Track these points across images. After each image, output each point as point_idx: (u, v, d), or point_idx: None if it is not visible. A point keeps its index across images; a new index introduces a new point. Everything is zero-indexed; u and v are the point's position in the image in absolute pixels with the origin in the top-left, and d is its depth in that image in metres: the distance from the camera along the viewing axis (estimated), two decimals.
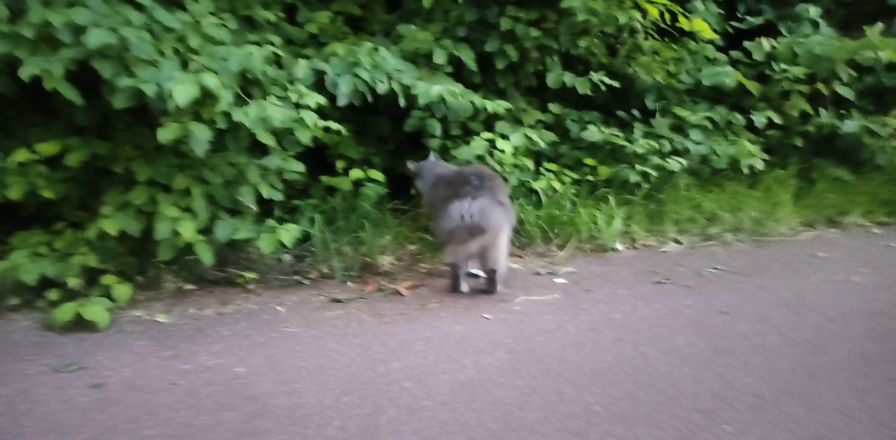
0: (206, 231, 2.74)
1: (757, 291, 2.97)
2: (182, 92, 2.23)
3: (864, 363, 2.18)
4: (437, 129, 3.52)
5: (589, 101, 4.14)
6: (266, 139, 2.66)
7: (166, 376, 2.01)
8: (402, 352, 2.21)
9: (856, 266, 3.42)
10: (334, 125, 2.88)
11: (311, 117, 2.70)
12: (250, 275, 2.96)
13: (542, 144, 3.72)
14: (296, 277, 3.04)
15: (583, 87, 3.77)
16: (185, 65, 2.58)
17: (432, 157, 3.30)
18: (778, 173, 4.54)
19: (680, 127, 4.23)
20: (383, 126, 3.76)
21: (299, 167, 3.03)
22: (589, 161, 3.89)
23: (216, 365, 2.10)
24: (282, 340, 2.32)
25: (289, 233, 2.81)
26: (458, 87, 3.32)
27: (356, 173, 3.37)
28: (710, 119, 4.28)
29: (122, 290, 2.61)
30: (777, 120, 4.45)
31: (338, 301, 2.76)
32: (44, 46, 2.38)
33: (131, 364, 2.11)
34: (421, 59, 3.46)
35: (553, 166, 3.83)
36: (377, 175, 3.39)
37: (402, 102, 3.20)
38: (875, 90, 4.79)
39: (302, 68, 2.94)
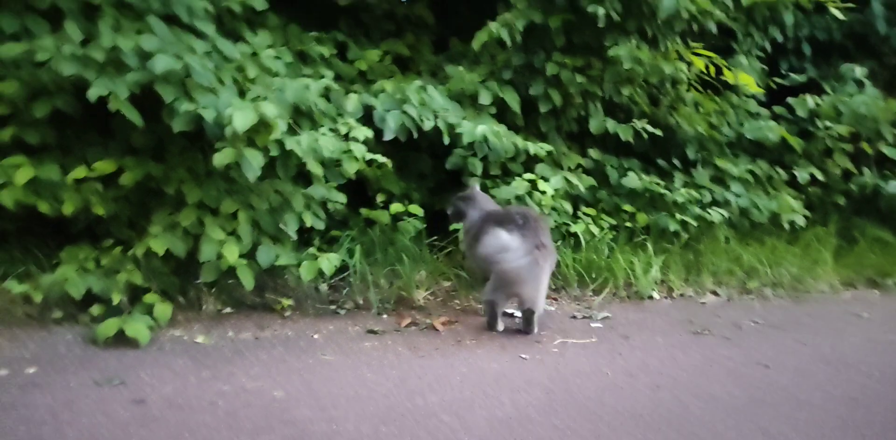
0: (247, 256, 2.79)
1: (796, 346, 2.90)
2: (241, 118, 2.32)
3: None
4: (478, 168, 3.57)
5: (629, 148, 4.18)
6: (315, 167, 2.72)
7: (206, 396, 2.02)
8: (438, 386, 2.19)
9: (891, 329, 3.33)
10: (380, 158, 2.94)
11: (359, 149, 2.77)
12: (287, 302, 2.99)
13: (582, 188, 3.74)
14: (332, 307, 3.06)
15: (625, 134, 3.81)
16: (242, 93, 2.69)
17: (477, 187, 3.27)
18: (818, 230, 4.49)
19: (721, 179, 4.22)
20: (424, 163, 3.82)
21: (342, 198, 3.08)
22: (628, 207, 3.89)
23: (255, 387, 2.10)
24: (319, 367, 2.32)
25: (328, 262, 2.84)
26: (501, 128, 3.38)
27: (396, 207, 3.42)
28: (752, 172, 4.28)
29: (163, 309, 2.64)
30: (819, 177, 4.43)
31: (373, 332, 2.76)
32: (111, 69, 2.49)
33: (171, 382, 2.13)
34: (466, 100, 3.54)
35: (591, 211, 3.84)
36: (417, 210, 3.43)
37: (446, 140, 3.27)
38: None
39: (352, 102, 3.03)
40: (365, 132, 2.92)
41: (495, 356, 2.53)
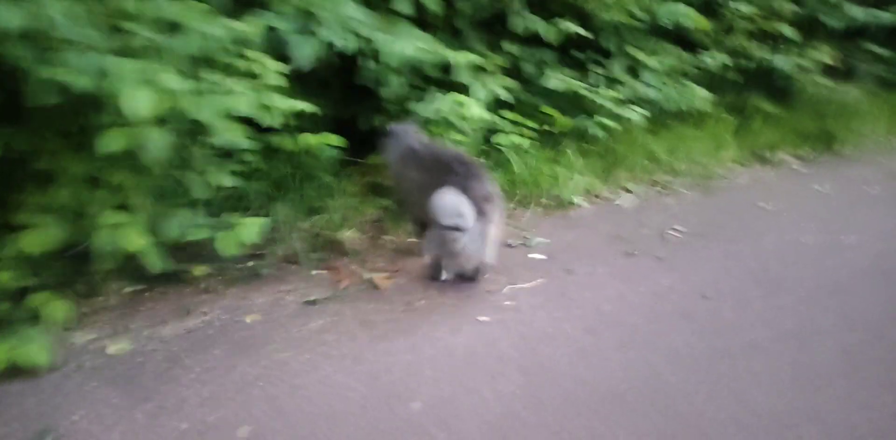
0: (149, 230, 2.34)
1: (724, 262, 3.03)
2: (138, 100, 1.74)
3: (847, 361, 2.30)
4: (393, 82, 3.12)
5: (541, 39, 3.81)
6: (227, 130, 2.21)
7: None
8: (413, 383, 2.07)
9: (799, 221, 3.57)
10: (307, 106, 2.44)
11: (283, 103, 2.26)
12: (201, 269, 2.62)
13: (505, 95, 3.43)
14: (253, 264, 2.73)
15: (551, 34, 3.43)
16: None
17: (411, 124, 2.89)
18: (720, 112, 4.57)
19: (634, 69, 4.04)
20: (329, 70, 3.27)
21: (250, 144, 2.59)
22: (549, 110, 3.66)
23: (217, 421, 1.86)
24: (277, 372, 2.09)
25: (250, 229, 2.46)
26: (426, 41, 2.91)
27: (307, 138, 2.96)
28: (662, 62, 4.13)
29: (58, 308, 2.21)
30: (727, 61, 4.38)
31: (312, 303, 2.51)
32: None
33: (115, 425, 1.83)
34: (379, 5, 2.96)
35: (513, 115, 3.58)
36: (332, 139, 3.00)
37: (371, 65, 2.78)
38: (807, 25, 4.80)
39: (254, 26, 2.39)
40: (276, 67, 2.36)
41: (454, 324, 2.41)
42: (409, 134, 2.77)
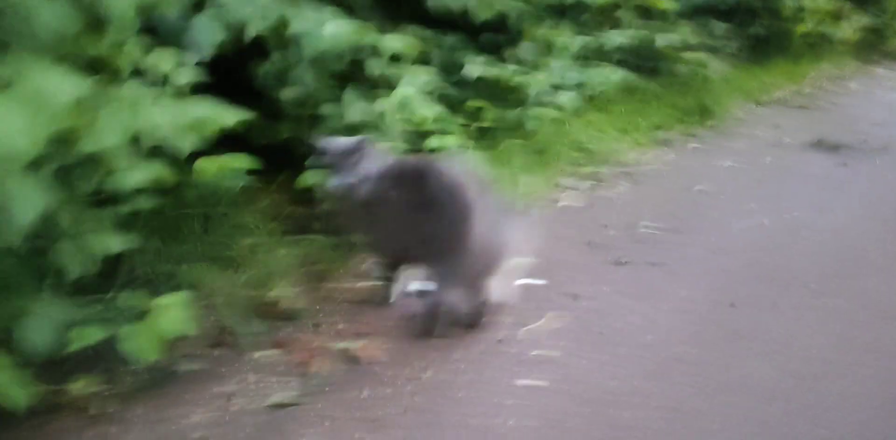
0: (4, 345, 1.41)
1: (716, 259, 2.71)
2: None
3: None
4: (307, 78, 2.34)
5: (443, 21, 3.23)
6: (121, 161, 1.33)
7: None
8: None
9: (741, 202, 3.41)
10: (240, 117, 1.62)
11: (218, 115, 1.43)
12: (83, 382, 1.69)
13: (431, 88, 2.80)
14: (162, 360, 1.84)
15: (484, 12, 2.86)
16: None
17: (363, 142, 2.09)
18: (617, 95, 4.33)
19: (548, 51, 3.61)
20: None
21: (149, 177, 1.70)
22: (477, 103, 3.09)
23: None
24: None
25: (172, 313, 1.60)
26: (347, 23, 2.18)
27: (205, 163, 2.10)
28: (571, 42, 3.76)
29: None
30: (624, 40, 4.12)
31: (279, 406, 1.71)
32: None
33: None
34: None
35: (439, 112, 2.96)
36: (237, 161, 2.16)
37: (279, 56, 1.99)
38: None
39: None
40: (177, 60, 1.52)
41: (489, 398, 1.77)
42: (370, 152, 2.01)
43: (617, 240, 2.85)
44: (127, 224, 1.76)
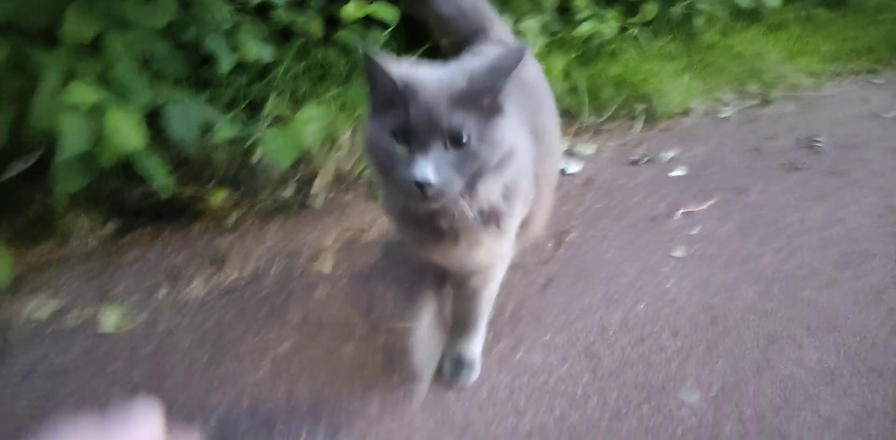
0: (149, 125, 1.35)
1: None
2: None
3: None
4: None
5: None
6: None
7: None
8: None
9: None
10: None
11: None
12: (221, 194, 1.65)
13: None
14: (293, 193, 1.77)
15: None
16: None
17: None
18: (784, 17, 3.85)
19: None
20: None
21: None
22: None
23: None
24: None
25: (308, 125, 1.50)
26: None
27: (355, 8, 1.97)
28: None
29: None
30: None
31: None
32: None
33: None
34: None
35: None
36: (386, 12, 2.01)
37: None
38: None
39: None
40: None
41: (642, 262, 1.56)
42: None
43: (787, 151, 2.50)
44: (276, 40, 1.68)
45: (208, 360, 1.12)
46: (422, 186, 0.81)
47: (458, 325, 1.20)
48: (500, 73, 0.85)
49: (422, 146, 0.83)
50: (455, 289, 1.16)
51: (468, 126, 0.84)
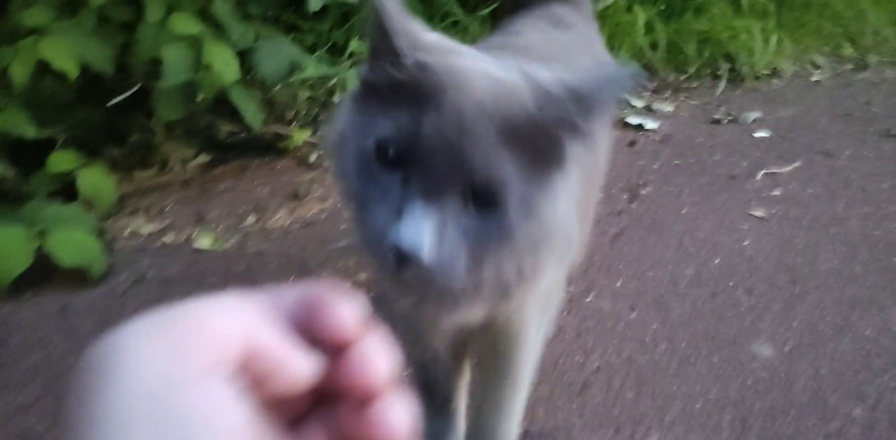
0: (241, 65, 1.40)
1: None
2: None
3: None
4: None
5: None
6: None
7: None
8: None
9: None
10: None
11: None
12: (301, 134, 1.70)
13: None
14: None
15: None
16: None
17: None
18: None
19: None
20: None
21: None
22: None
23: None
24: None
25: None
26: None
27: None
28: None
29: (100, 180, 1.31)
30: None
31: None
32: None
33: None
34: None
35: None
36: None
37: None
38: None
39: None
40: None
41: (720, 219, 1.53)
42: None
43: (883, 117, 2.37)
44: None
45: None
46: (403, 258, 0.49)
47: (487, 396, 0.84)
48: (593, 102, 0.52)
49: (427, 190, 0.50)
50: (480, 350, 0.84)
51: (511, 179, 0.51)
